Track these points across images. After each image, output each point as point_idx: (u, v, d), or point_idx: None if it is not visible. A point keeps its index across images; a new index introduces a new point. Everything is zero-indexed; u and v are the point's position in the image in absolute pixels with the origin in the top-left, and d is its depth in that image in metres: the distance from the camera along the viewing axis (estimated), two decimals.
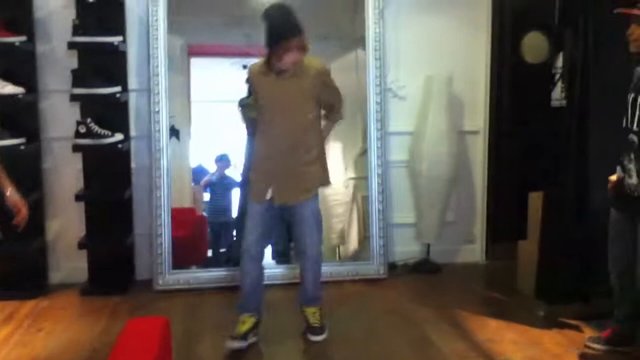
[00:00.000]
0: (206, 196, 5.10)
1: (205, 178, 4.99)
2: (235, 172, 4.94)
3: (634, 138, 2.75)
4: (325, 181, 3.29)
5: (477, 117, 4.49)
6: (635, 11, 2.70)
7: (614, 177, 2.94)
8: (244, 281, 3.21)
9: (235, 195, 4.84)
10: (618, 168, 2.89)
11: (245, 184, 4.17)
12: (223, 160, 4.95)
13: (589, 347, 3.10)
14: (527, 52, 4.30)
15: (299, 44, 2.95)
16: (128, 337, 1.83)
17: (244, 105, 4.24)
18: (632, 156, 2.77)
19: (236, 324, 3.15)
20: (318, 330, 3.25)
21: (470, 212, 4.59)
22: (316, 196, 3.25)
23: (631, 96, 2.78)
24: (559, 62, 3.44)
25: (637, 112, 2.73)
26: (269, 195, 3.12)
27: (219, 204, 4.96)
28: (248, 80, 3.21)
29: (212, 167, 5.07)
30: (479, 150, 4.53)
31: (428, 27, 4.33)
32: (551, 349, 3.12)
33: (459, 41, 4.38)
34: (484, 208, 4.58)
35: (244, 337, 3.11)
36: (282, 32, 2.93)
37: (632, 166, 2.78)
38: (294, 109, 3.10)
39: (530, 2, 4.29)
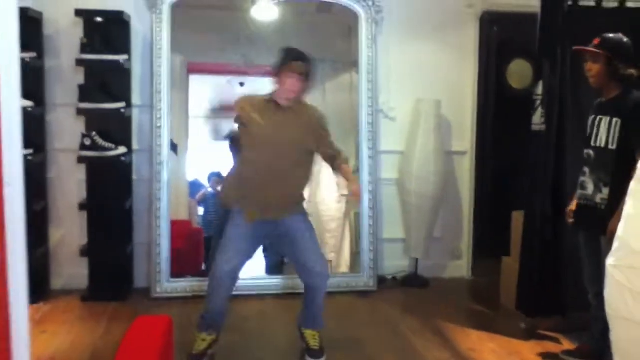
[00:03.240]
0: (200, 210, 5.27)
1: (201, 192, 5.15)
2: None
3: (591, 152, 2.99)
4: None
5: (464, 139, 4.71)
6: (590, 49, 2.94)
7: (572, 206, 3.15)
8: (213, 303, 3.11)
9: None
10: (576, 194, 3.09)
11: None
12: (217, 177, 5.12)
13: (563, 359, 3.28)
14: (512, 78, 4.54)
15: (304, 71, 3.00)
16: (135, 332, 2.00)
17: (229, 136, 4.33)
18: (587, 170, 3.01)
19: (195, 341, 3.15)
20: (318, 354, 3.22)
21: (457, 229, 4.78)
22: (306, 212, 3.24)
23: (591, 118, 3.03)
24: (539, 89, 3.65)
25: (594, 131, 2.98)
26: (259, 215, 3.05)
27: (213, 219, 5.13)
28: (237, 118, 3.14)
29: (206, 182, 5.26)
30: (465, 170, 4.74)
31: (418, 53, 4.55)
32: (528, 358, 3.30)
33: (448, 67, 4.61)
34: (470, 225, 4.77)
35: (202, 355, 3.13)
36: (291, 55, 3.03)
37: (586, 178, 3.01)
38: (288, 141, 3.05)
39: (515, 31, 4.52)
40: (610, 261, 1.94)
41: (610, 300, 1.93)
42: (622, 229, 1.93)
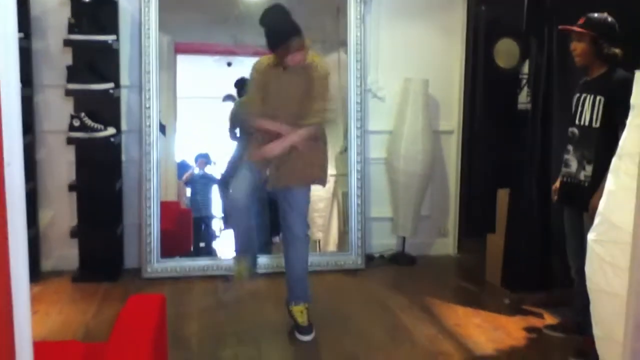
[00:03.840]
0: (187, 191, 5.29)
1: (187, 174, 5.17)
2: (215, 169, 5.14)
3: (575, 131, 3.05)
4: (321, 181, 3.37)
5: (452, 118, 4.75)
6: (575, 28, 2.98)
7: (557, 183, 3.21)
8: (236, 231, 3.38)
9: (216, 191, 5.05)
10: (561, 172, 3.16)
11: (224, 183, 4.34)
12: (204, 158, 5.14)
13: (546, 333, 3.37)
14: (499, 57, 4.55)
15: (298, 45, 3.06)
16: (129, 311, 2.03)
17: (238, 105, 4.41)
18: (571, 147, 3.06)
19: (235, 263, 3.42)
20: (306, 330, 3.27)
21: (443, 207, 4.85)
22: (309, 187, 3.36)
23: (575, 97, 3.08)
24: (526, 68, 3.69)
25: (579, 109, 3.03)
26: (266, 173, 3.28)
27: (200, 200, 5.16)
28: (250, 77, 3.32)
29: (194, 163, 5.26)
30: (452, 149, 4.80)
31: (406, 33, 4.57)
32: (513, 333, 3.39)
33: (436, 46, 4.64)
34: (456, 203, 4.84)
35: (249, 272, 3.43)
36: (279, 36, 3.04)
37: (570, 156, 3.06)
38: (299, 100, 3.17)
39: (502, 11, 4.53)
40: (591, 236, 2.00)
41: (590, 274, 1.99)
42: (603, 205, 1.98)
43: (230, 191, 3.33)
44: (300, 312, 3.31)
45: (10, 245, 1.17)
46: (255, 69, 3.30)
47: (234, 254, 3.46)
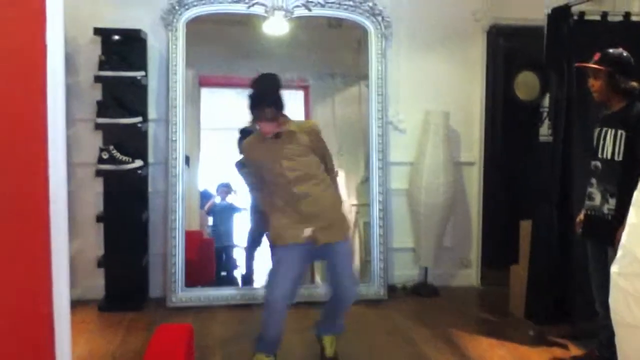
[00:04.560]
0: (209, 220, 5.36)
1: (209, 203, 5.25)
2: (236, 199, 5.20)
3: (598, 164, 3.07)
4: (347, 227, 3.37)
5: (473, 150, 4.80)
6: (592, 65, 3.03)
7: (580, 216, 3.22)
8: (268, 329, 3.16)
9: (238, 220, 5.11)
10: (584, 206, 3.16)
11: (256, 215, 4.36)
12: (226, 187, 5.22)
13: None
14: (519, 89, 4.61)
15: (270, 115, 3.03)
16: (159, 340, 2.09)
17: (240, 164, 4.42)
18: (594, 181, 3.08)
19: (257, 353, 3.20)
20: None
21: (466, 238, 4.85)
22: (349, 239, 3.37)
23: (597, 130, 3.11)
24: (546, 101, 3.74)
25: (601, 143, 3.06)
26: (307, 233, 3.11)
27: (222, 229, 5.23)
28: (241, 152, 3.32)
29: (215, 193, 5.35)
30: (474, 180, 4.82)
31: (427, 66, 4.65)
32: None
33: (456, 79, 4.71)
34: (479, 235, 4.84)
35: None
36: (255, 100, 3.06)
37: (594, 189, 3.08)
38: (296, 157, 3.11)
39: (522, 44, 4.62)
40: (614, 269, 2.00)
41: (614, 306, 2.00)
42: (625, 238, 1.99)
43: (268, 283, 3.21)
44: (330, 342, 3.34)
45: (54, 274, 1.26)
46: (244, 148, 3.33)
47: (257, 346, 3.22)
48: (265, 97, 3.05)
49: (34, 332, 1.16)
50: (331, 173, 3.31)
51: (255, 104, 3.06)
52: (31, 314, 1.16)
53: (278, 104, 3.08)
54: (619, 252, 2.03)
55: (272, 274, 3.20)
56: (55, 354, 1.22)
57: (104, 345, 3.58)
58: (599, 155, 3.06)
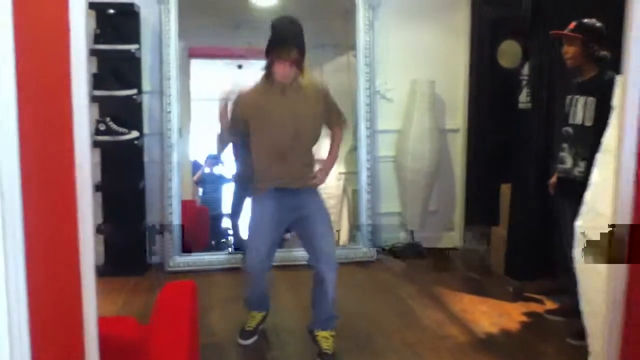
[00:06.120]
0: (199, 191, 5.53)
1: (197, 174, 5.40)
2: (224, 170, 5.36)
3: (569, 130, 3.27)
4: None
5: (457, 117, 4.98)
6: (566, 32, 3.20)
7: (553, 179, 3.43)
8: (252, 289, 3.21)
9: (227, 190, 5.28)
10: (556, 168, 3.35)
11: (238, 181, 4.47)
12: (214, 158, 5.37)
13: (546, 317, 3.59)
14: (503, 58, 4.75)
15: (291, 56, 2.82)
16: (166, 296, 2.27)
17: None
18: (566, 145, 3.27)
19: (247, 318, 3.32)
20: (330, 358, 3.05)
21: (450, 202, 5.07)
22: (320, 194, 3.16)
23: (568, 98, 3.30)
24: (526, 69, 3.88)
25: (572, 109, 3.24)
26: (276, 184, 2.99)
27: (211, 198, 5.40)
28: (234, 110, 3.06)
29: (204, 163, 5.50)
30: (458, 147, 5.02)
31: (413, 36, 4.79)
32: (516, 318, 3.61)
33: (441, 48, 4.86)
34: (462, 198, 5.06)
35: (254, 331, 3.30)
36: (279, 38, 2.84)
37: (565, 153, 3.27)
38: (302, 122, 2.96)
39: (506, 12, 4.72)
40: (578, 223, 2.21)
41: (578, 256, 2.21)
42: (589, 195, 2.20)
43: (247, 250, 3.18)
44: (325, 338, 3.10)
45: (81, 242, 1.43)
46: (239, 103, 3.03)
47: (247, 306, 3.34)
48: (294, 36, 2.82)
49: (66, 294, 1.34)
50: (339, 125, 3.14)
51: (280, 42, 2.80)
52: (64, 276, 1.33)
53: (303, 49, 2.85)
54: (583, 208, 2.24)
55: (249, 239, 3.11)
56: (82, 310, 1.40)
57: (108, 306, 3.76)
58: (570, 121, 3.25)
